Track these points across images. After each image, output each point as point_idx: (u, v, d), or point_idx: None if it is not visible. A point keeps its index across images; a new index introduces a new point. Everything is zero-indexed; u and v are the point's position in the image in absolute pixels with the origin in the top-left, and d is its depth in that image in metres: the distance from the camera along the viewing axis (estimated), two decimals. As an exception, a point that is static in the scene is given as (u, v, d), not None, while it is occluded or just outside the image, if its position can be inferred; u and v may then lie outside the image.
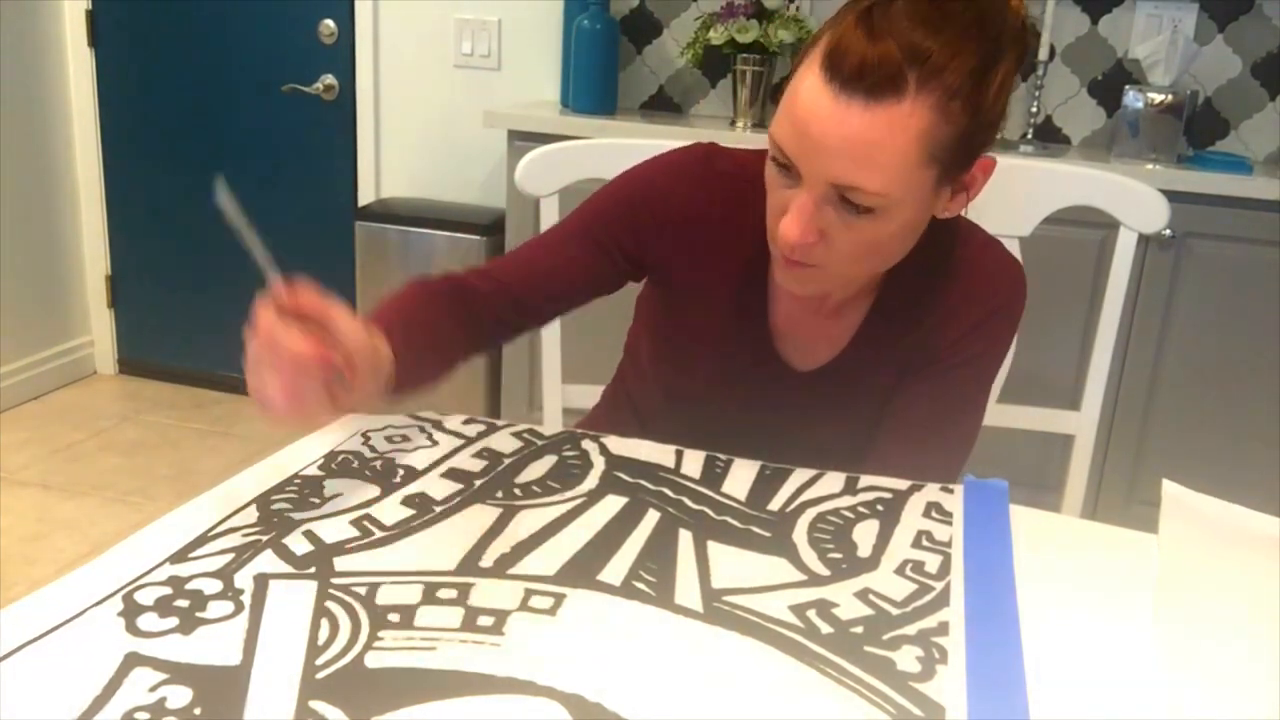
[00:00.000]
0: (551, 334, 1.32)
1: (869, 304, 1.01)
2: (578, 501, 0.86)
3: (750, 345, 1.04)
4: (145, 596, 0.68)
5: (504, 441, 0.98)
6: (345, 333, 0.81)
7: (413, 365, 0.91)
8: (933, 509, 0.90)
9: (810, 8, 2.63)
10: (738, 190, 1.00)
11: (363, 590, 0.70)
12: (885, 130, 0.80)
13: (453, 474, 0.90)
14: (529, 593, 0.71)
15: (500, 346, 1.14)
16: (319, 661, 0.62)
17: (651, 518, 0.84)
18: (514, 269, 1.04)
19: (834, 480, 0.94)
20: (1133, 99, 2.30)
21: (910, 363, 1.02)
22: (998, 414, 1.31)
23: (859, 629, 0.70)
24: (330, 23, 2.92)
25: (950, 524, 0.87)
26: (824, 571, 0.78)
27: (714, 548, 0.80)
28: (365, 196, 3.02)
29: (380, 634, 0.65)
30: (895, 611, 0.73)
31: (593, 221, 1.04)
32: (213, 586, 0.70)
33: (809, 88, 0.82)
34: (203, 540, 0.76)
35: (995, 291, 1.00)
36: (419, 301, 0.98)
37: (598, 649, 0.65)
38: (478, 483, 0.88)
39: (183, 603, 0.67)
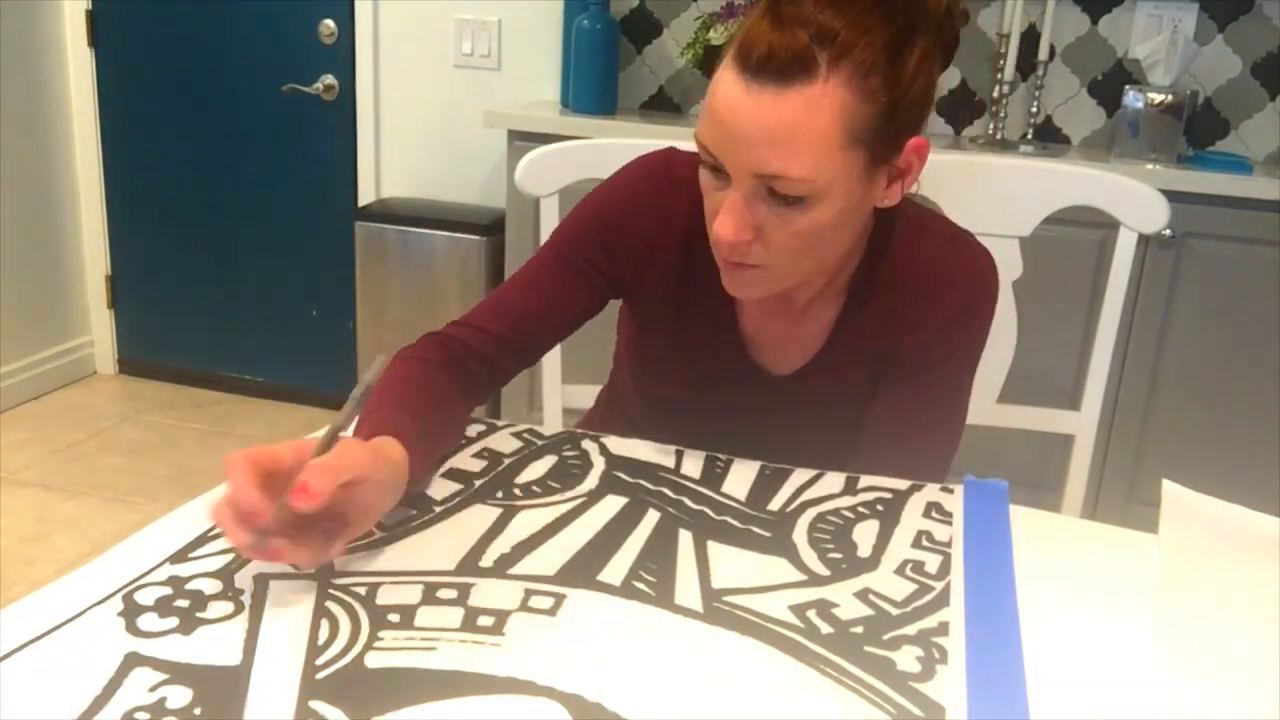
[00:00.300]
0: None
1: (839, 305, 1.01)
2: (578, 501, 0.86)
3: (724, 353, 1.04)
4: (145, 596, 0.68)
5: (504, 441, 0.98)
6: (339, 458, 0.72)
7: (427, 454, 0.86)
8: (933, 509, 0.90)
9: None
10: (697, 197, 0.97)
11: (363, 590, 0.70)
12: (801, 113, 0.80)
13: (453, 474, 0.90)
14: (529, 593, 0.71)
15: (498, 391, 1.13)
16: (319, 661, 0.62)
17: (651, 518, 0.84)
18: (498, 315, 1.02)
19: (834, 480, 0.94)
20: (1133, 99, 2.30)
21: (886, 362, 1.01)
22: (998, 414, 1.31)
23: (859, 629, 0.70)
24: (330, 23, 2.92)
25: (950, 524, 0.87)
26: (824, 571, 0.78)
27: (714, 548, 0.80)
28: (365, 196, 3.02)
29: (380, 634, 0.65)
30: (895, 611, 0.73)
31: (566, 251, 1.03)
32: (213, 586, 0.70)
33: (723, 82, 0.82)
34: (203, 540, 0.76)
35: (967, 287, 0.99)
36: (419, 384, 0.92)
37: (598, 649, 0.65)
38: (478, 483, 0.88)
39: (183, 603, 0.67)
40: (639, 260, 1.02)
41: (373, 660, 0.63)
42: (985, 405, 1.30)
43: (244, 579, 0.71)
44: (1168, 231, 2.14)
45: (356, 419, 0.78)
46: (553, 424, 1.33)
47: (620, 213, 1.02)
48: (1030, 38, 2.50)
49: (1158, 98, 2.28)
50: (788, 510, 0.87)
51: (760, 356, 1.04)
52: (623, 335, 1.14)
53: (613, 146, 1.24)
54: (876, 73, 0.80)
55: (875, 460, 0.99)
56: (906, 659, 0.67)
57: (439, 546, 0.77)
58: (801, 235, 0.85)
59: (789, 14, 0.80)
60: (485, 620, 0.68)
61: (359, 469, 0.71)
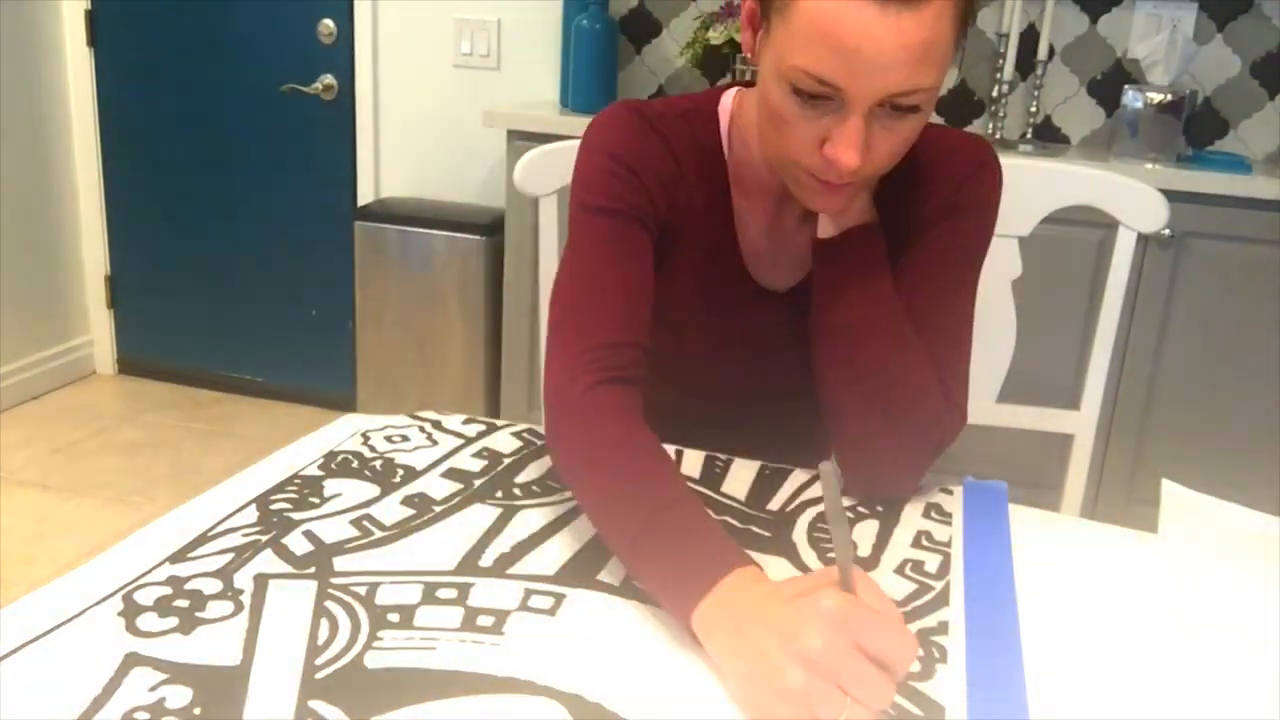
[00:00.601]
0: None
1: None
2: (578, 501, 0.86)
3: (725, 273, 1.02)
4: (145, 596, 0.68)
5: (504, 441, 0.98)
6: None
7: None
8: (932, 509, 0.90)
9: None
10: (677, 131, 0.98)
11: (362, 590, 0.70)
12: (934, 23, 0.77)
13: (452, 474, 0.90)
14: (529, 593, 0.71)
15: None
16: (319, 661, 0.62)
17: (651, 517, 0.84)
18: (630, 319, 0.91)
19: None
20: (1132, 98, 2.30)
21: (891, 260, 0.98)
22: (998, 414, 1.31)
23: (859, 629, 0.70)
24: (329, 23, 2.92)
25: (950, 524, 0.87)
26: (824, 571, 0.78)
27: (714, 547, 0.80)
28: (364, 196, 3.02)
29: (380, 634, 0.65)
30: (895, 611, 0.73)
31: (622, 227, 0.95)
32: (212, 586, 0.70)
33: (843, 10, 0.77)
34: (202, 540, 0.76)
35: (969, 152, 0.98)
36: (667, 461, 0.80)
37: (598, 649, 0.65)
38: (477, 482, 0.88)
39: (182, 603, 0.67)
40: (656, 194, 0.98)
41: (372, 660, 0.63)
42: (985, 405, 1.30)
43: (244, 579, 0.71)
44: (1167, 231, 2.14)
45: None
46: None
47: (625, 155, 0.96)
48: (1029, 37, 2.50)
49: (1157, 97, 2.28)
50: (787, 510, 0.87)
51: (760, 273, 1.03)
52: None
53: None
54: None
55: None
56: (906, 659, 0.67)
57: (439, 546, 0.77)
58: (904, 141, 0.84)
59: None
60: (485, 620, 0.68)
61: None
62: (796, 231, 1.01)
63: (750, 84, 1.00)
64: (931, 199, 0.98)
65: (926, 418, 0.92)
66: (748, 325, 1.04)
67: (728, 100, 1.02)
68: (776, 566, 0.78)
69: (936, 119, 2.64)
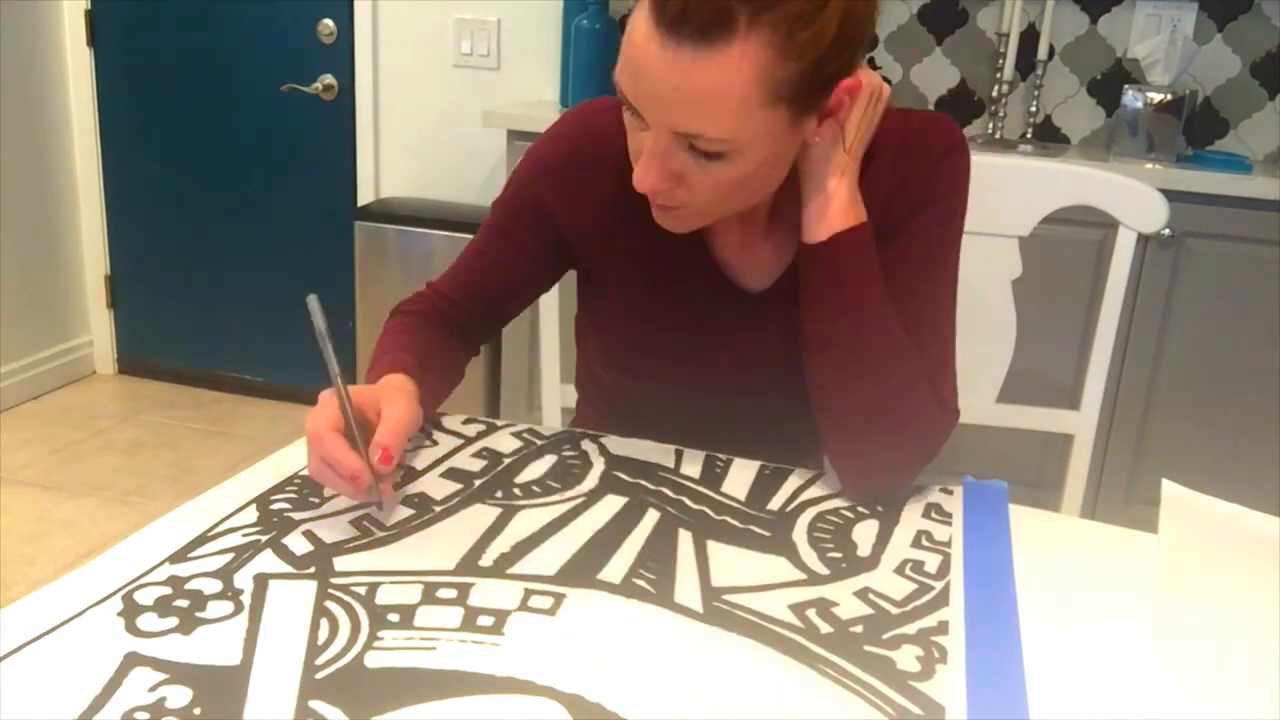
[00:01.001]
0: (550, 334, 1.32)
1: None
2: (577, 501, 0.86)
3: (700, 276, 1.01)
4: (145, 596, 0.68)
5: (504, 441, 0.98)
6: (396, 420, 0.85)
7: (432, 389, 0.98)
8: (932, 509, 0.90)
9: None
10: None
11: (362, 590, 0.70)
12: (718, 76, 0.76)
13: (452, 474, 0.90)
14: (529, 592, 0.71)
15: (485, 345, 1.17)
16: (319, 661, 0.62)
17: (651, 517, 0.84)
18: (462, 288, 1.06)
19: (833, 481, 0.94)
20: (1132, 98, 2.30)
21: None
22: (998, 414, 1.31)
23: (859, 628, 0.70)
24: (329, 22, 2.92)
25: (950, 524, 0.87)
26: (824, 571, 0.78)
27: (714, 547, 0.80)
28: (365, 196, 3.01)
29: (380, 634, 0.65)
30: (895, 611, 0.73)
31: (508, 226, 1.04)
32: (212, 586, 0.70)
33: (640, 31, 0.78)
34: (202, 540, 0.76)
35: (935, 139, 0.96)
36: (413, 332, 1.03)
37: (598, 649, 0.65)
38: (478, 483, 0.88)
39: (182, 603, 0.67)
40: (582, 211, 1.00)
41: (372, 660, 0.63)
42: (985, 405, 1.30)
43: (244, 579, 0.71)
44: (1167, 231, 2.14)
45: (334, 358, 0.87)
46: (553, 424, 1.33)
47: (542, 171, 1.01)
48: (1029, 37, 2.50)
49: (1157, 97, 2.28)
50: (787, 510, 0.87)
51: (736, 275, 1.01)
52: (586, 309, 1.11)
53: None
54: (800, 27, 0.76)
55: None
56: (906, 658, 0.67)
57: (439, 546, 0.77)
58: (725, 184, 0.84)
59: None
60: (485, 620, 0.68)
61: (415, 422, 0.87)
62: (767, 234, 1.00)
63: None
64: (902, 190, 0.96)
65: (922, 421, 0.92)
66: (725, 327, 1.02)
67: None
68: (776, 566, 0.78)
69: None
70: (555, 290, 1.22)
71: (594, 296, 1.08)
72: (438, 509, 0.83)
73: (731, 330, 1.01)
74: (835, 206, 0.91)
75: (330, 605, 0.68)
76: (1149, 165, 2.25)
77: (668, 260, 1.00)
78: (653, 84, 0.78)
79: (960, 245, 0.99)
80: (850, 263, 0.91)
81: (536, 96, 2.83)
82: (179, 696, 0.58)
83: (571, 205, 1.00)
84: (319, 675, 0.61)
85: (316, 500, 0.83)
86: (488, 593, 0.71)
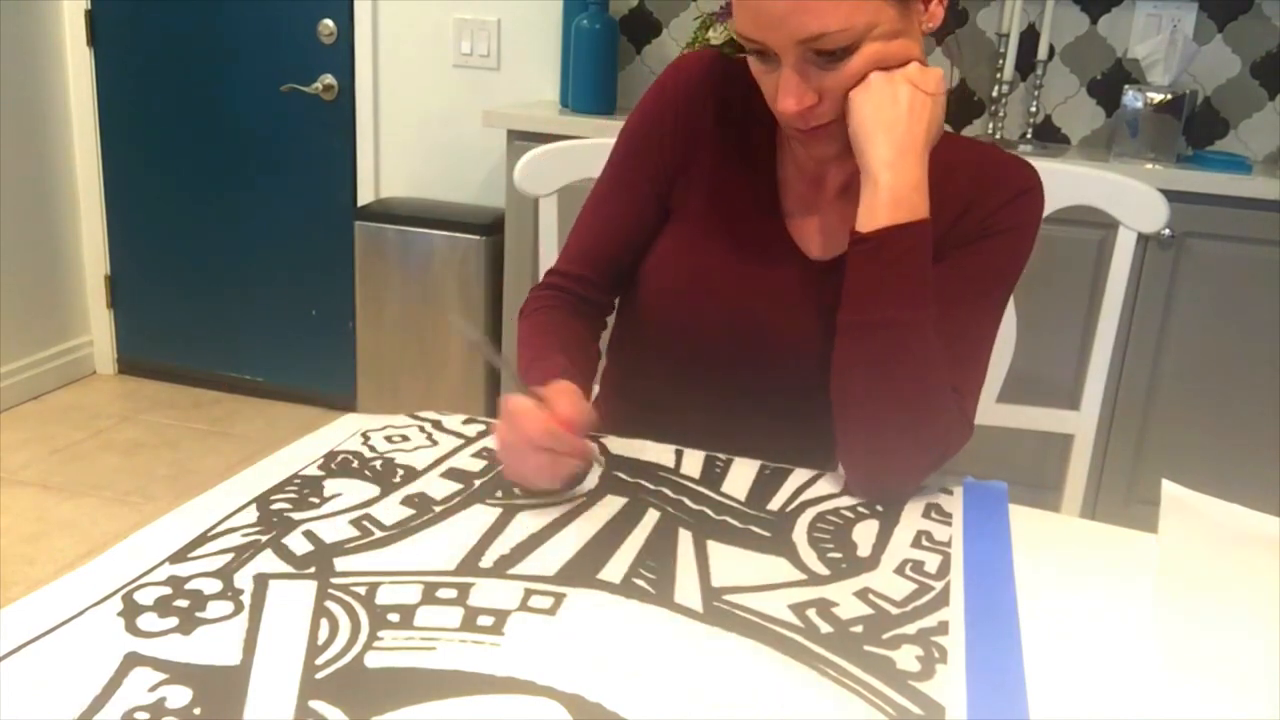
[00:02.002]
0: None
1: None
2: (577, 501, 0.86)
3: (766, 235, 1.03)
4: (145, 596, 0.68)
5: (504, 441, 0.97)
6: (572, 412, 0.87)
7: (585, 386, 0.99)
8: (932, 510, 0.90)
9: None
10: (738, 90, 1.03)
11: (362, 590, 0.70)
12: None
13: (453, 474, 0.90)
14: (529, 593, 0.71)
15: (606, 323, 1.18)
16: (319, 661, 0.62)
17: (651, 517, 0.84)
18: (583, 259, 1.09)
19: (834, 480, 0.94)
20: (1132, 98, 2.30)
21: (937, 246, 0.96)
22: (998, 414, 1.31)
23: (859, 628, 0.70)
24: (329, 22, 2.92)
25: (950, 524, 0.87)
26: (824, 571, 0.78)
27: (714, 547, 0.80)
28: (365, 196, 3.01)
29: (380, 634, 0.65)
30: (895, 611, 0.73)
31: (625, 172, 1.08)
32: (212, 586, 0.70)
33: None
34: (202, 540, 0.76)
35: (1016, 177, 1.00)
36: (553, 329, 1.06)
37: (598, 649, 0.65)
38: (478, 483, 0.88)
39: (182, 603, 0.67)
40: (686, 142, 1.05)
41: (372, 660, 0.63)
42: (985, 405, 1.30)
43: (244, 579, 0.71)
44: (1167, 231, 2.14)
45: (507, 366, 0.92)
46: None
47: (662, 114, 1.06)
48: (1029, 37, 2.50)
49: (1157, 97, 2.28)
50: (787, 510, 0.87)
51: (802, 240, 1.03)
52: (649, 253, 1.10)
53: (612, 146, 1.24)
54: None
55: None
56: (906, 658, 0.67)
57: (439, 546, 0.77)
58: (853, 76, 0.89)
59: None
60: (485, 620, 0.68)
61: (590, 418, 0.90)
62: (833, 202, 1.02)
63: None
64: (971, 214, 0.98)
65: (941, 425, 0.92)
66: (782, 287, 1.02)
67: None
68: (776, 566, 0.78)
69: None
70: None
71: (663, 242, 1.07)
72: (438, 509, 0.83)
73: (787, 291, 1.02)
74: (893, 196, 0.90)
75: (330, 605, 0.68)
76: (1149, 165, 2.25)
77: (742, 213, 1.04)
78: (769, 6, 0.86)
79: (1013, 287, 1.02)
80: (902, 257, 0.91)
81: (536, 96, 2.83)
82: (179, 696, 0.58)
83: (679, 138, 1.05)
84: (319, 675, 0.61)
85: (316, 500, 0.83)
86: (488, 593, 0.71)
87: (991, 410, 1.31)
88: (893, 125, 0.90)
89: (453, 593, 0.71)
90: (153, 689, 0.59)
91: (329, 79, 2.96)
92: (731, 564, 0.77)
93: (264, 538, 0.76)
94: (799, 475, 0.94)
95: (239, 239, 3.16)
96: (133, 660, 0.61)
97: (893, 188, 0.90)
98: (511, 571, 0.74)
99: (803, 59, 0.87)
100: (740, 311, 1.02)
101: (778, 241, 1.03)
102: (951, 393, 0.94)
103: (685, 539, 0.81)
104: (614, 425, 1.03)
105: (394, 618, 0.67)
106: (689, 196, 1.05)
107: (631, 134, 1.08)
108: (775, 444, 1.00)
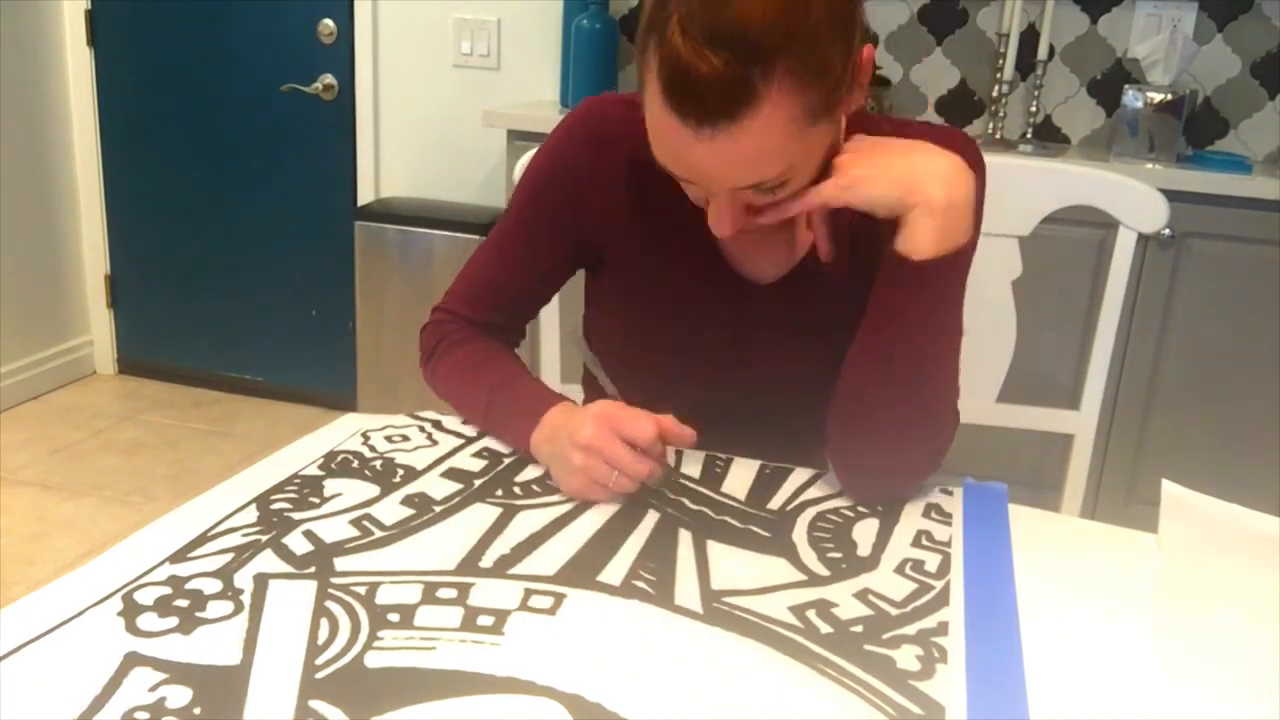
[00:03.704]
0: (551, 334, 1.32)
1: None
2: (577, 501, 0.86)
3: (704, 266, 1.01)
4: (145, 596, 0.68)
5: (504, 441, 0.98)
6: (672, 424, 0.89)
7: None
8: (932, 509, 0.90)
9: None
10: (635, 133, 0.91)
11: (362, 590, 0.70)
12: (759, 137, 0.77)
13: (452, 474, 0.90)
14: (529, 593, 0.71)
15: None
16: (319, 661, 0.62)
17: (651, 518, 0.84)
18: (476, 300, 1.08)
19: (834, 480, 0.94)
20: (1132, 98, 2.30)
21: (879, 258, 0.94)
22: (998, 414, 1.31)
23: (858, 629, 0.70)
24: (330, 22, 2.92)
25: (950, 524, 0.87)
26: (823, 571, 0.78)
27: (713, 547, 0.80)
28: (364, 196, 3.01)
29: (380, 634, 0.65)
30: (895, 611, 0.73)
31: (529, 223, 1.04)
32: (212, 586, 0.70)
33: (666, 125, 0.79)
34: (202, 540, 0.76)
35: (955, 143, 0.94)
36: (498, 354, 1.05)
37: (598, 649, 0.65)
38: (478, 482, 0.88)
39: (182, 603, 0.67)
40: (601, 207, 1.01)
41: (372, 660, 0.63)
42: (985, 405, 1.30)
43: (244, 579, 0.71)
44: (1167, 231, 2.14)
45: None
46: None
47: (565, 171, 1.01)
48: (1029, 37, 2.50)
49: (1157, 97, 2.28)
50: (787, 510, 0.87)
51: (743, 267, 1.01)
52: (594, 305, 1.12)
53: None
54: (807, 52, 0.76)
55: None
56: (906, 658, 0.67)
57: (439, 546, 0.77)
58: (793, 190, 0.86)
59: (700, 34, 0.75)
60: (485, 620, 0.68)
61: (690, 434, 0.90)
62: (776, 229, 0.98)
63: None
64: None
65: (949, 435, 0.93)
66: (730, 318, 1.02)
67: None
68: (776, 566, 0.78)
69: (936, 119, 2.64)
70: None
71: (603, 290, 1.08)
72: (438, 509, 0.83)
73: (737, 321, 1.02)
74: (946, 222, 0.86)
75: (330, 605, 0.68)
76: (1149, 165, 2.25)
77: (677, 253, 1.01)
78: (701, 167, 0.81)
79: (971, 259, 0.98)
80: (942, 287, 0.89)
81: (536, 96, 2.83)
82: (179, 696, 0.58)
83: (586, 205, 1.01)
84: (319, 675, 0.61)
85: (316, 500, 0.83)
86: (488, 593, 0.71)
87: (991, 410, 1.31)
88: (928, 170, 0.86)
89: (453, 593, 0.71)
90: (153, 689, 0.59)
91: (329, 79, 2.96)
92: (731, 564, 0.77)
93: (264, 538, 0.76)
94: (799, 475, 0.94)
95: (239, 239, 3.16)
96: (133, 660, 0.61)
97: (949, 211, 0.86)
98: (511, 571, 0.74)
99: (736, 194, 0.84)
100: (696, 354, 1.03)
101: (721, 276, 1.01)
102: (955, 405, 0.94)
103: (685, 539, 0.81)
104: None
105: (394, 618, 0.67)
106: (623, 256, 1.03)
107: (540, 186, 1.03)
108: (768, 457, 0.99)
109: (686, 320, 1.03)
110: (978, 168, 0.96)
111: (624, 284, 1.05)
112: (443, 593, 0.71)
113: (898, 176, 0.85)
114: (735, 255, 1.01)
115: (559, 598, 0.71)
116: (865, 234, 0.96)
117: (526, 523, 0.82)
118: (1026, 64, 2.51)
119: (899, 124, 0.98)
